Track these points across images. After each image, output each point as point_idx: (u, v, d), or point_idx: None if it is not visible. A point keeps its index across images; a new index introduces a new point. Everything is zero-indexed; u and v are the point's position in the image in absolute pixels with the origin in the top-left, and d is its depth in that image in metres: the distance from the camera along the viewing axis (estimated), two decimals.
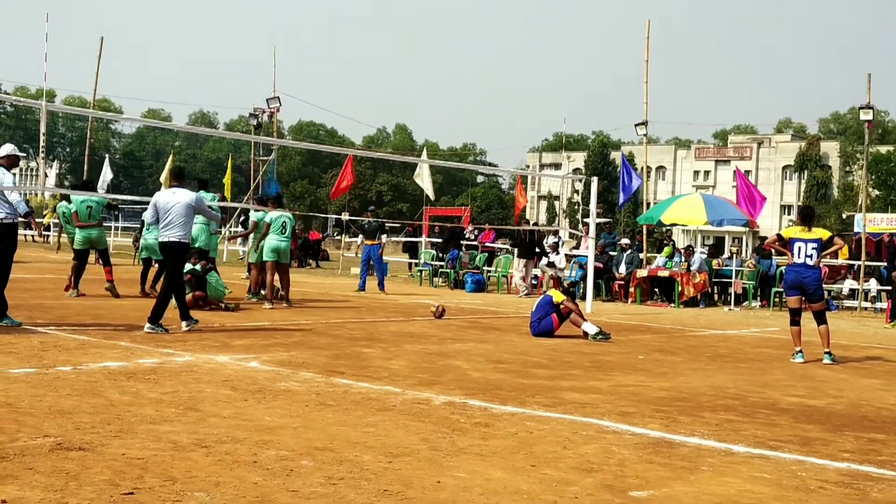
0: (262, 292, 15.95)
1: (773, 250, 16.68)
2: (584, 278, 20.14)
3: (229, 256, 33.91)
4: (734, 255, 22.95)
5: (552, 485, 4.69)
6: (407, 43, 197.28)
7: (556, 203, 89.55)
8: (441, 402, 6.90)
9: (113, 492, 4.12)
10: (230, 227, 33.55)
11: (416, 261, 29.16)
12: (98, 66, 36.18)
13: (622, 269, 22.80)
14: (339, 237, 48.14)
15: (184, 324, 10.92)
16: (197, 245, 14.53)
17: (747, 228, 26.70)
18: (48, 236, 40.23)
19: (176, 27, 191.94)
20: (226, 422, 5.77)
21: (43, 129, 11.31)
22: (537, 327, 12.44)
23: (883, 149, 73.54)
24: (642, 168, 30.99)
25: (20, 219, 10.77)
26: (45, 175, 43.36)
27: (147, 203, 11.41)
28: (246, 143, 70.63)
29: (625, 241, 24.65)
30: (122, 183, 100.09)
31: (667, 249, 23.82)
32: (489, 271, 25.52)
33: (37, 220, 14.26)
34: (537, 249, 22.98)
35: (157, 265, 16.06)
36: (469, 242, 27.73)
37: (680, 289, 21.32)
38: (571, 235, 33.41)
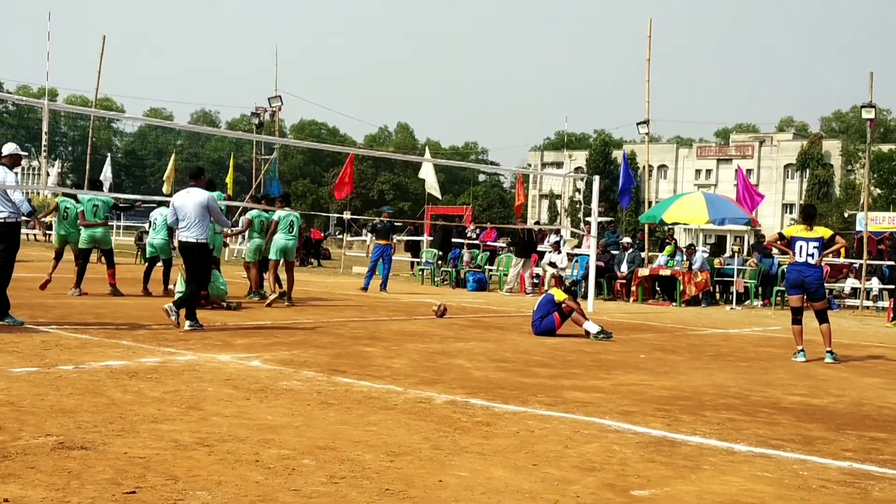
0: (262, 290, 15.99)
1: (773, 249, 16.65)
2: (585, 277, 20.14)
3: (229, 255, 33.89)
4: (736, 254, 22.94)
5: (554, 484, 4.69)
6: (409, 42, 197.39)
7: (558, 202, 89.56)
8: (443, 401, 6.91)
9: (115, 491, 4.13)
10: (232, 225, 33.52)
11: (418, 260, 29.17)
12: (100, 65, 36.12)
13: (624, 267, 22.80)
14: (340, 236, 48.13)
15: (187, 323, 10.95)
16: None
17: (749, 227, 26.66)
18: (50, 235, 40.22)
19: (178, 26, 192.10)
20: (228, 421, 5.77)
21: (45, 127, 11.32)
22: (539, 326, 12.44)
23: (885, 147, 73.59)
24: (644, 167, 30.95)
25: (23, 218, 10.77)
26: (47, 174, 43.41)
27: (156, 201, 11.50)
28: (248, 141, 70.71)
29: (626, 239, 24.66)
30: (125, 182, 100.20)
31: (668, 248, 23.82)
32: (491, 270, 25.52)
33: (40, 219, 14.24)
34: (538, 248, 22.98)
35: (162, 265, 16.11)
36: (471, 241, 27.73)
37: (681, 288, 21.32)
38: (573, 234, 33.38)
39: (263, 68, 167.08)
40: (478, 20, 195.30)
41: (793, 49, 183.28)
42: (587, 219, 26.35)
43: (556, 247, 23.67)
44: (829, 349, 11.04)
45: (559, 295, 12.62)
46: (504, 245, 29.51)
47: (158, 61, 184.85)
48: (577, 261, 23.64)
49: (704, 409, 7.16)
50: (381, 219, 22.02)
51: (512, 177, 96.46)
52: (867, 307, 22.15)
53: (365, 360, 8.98)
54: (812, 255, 10.97)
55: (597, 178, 20.10)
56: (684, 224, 26.47)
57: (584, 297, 18.51)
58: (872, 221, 25.76)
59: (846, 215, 54.60)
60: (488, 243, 28.07)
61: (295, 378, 7.64)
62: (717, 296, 23.13)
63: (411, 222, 37.65)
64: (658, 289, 22.65)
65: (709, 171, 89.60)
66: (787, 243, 11.22)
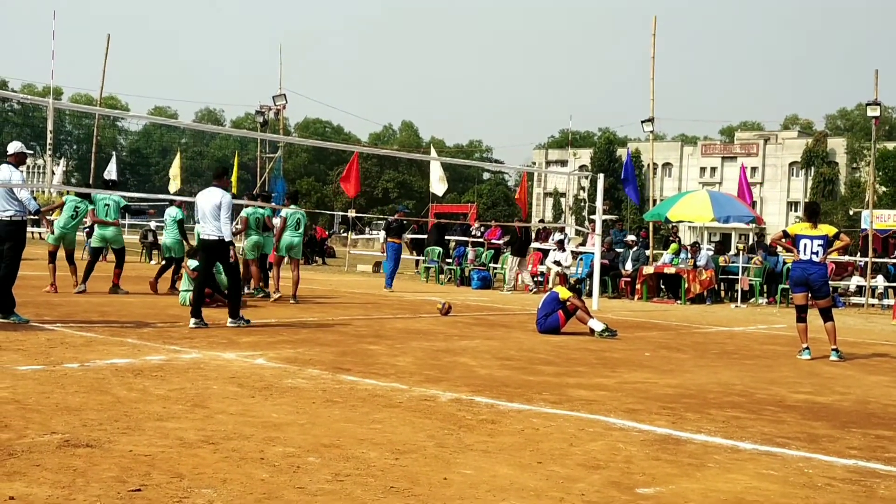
0: (266, 288, 16.03)
1: (778, 247, 16.64)
2: (590, 275, 20.13)
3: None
4: (741, 252, 22.92)
5: (559, 481, 4.69)
6: (413, 40, 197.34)
7: (563, 200, 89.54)
8: (447, 399, 6.91)
9: (120, 488, 4.13)
10: (235, 224, 33.56)
11: (423, 258, 29.17)
12: (105, 64, 36.15)
13: (628, 265, 22.78)
14: (345, 234, 48.16)
15: (192, 321, 11.00)
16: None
17: (754, 225, 26.65)
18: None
19: (182, 25, 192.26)
20: (233, 418, 5.78)
21: (50, 126, 11.30)
22: (543, 324, 12.44)
23: (890, 145, 73.38)
24: (648, 165, 30.93)
25: (31, 216, 10.79)
26: (52, 172, 43.44)
27: (168, 200, 11.58)
28: (252, 140, 70.71)
29: (631, 237, 24.64)
30: (129, 180, 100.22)
31: (673, 246, 23.80)
32: (495, 268, 25.52)
33: (47, 216, 14.26)
34: (542, 246, 22.96)
35: (174, 263, 16.18)
36: (476, 239, 27.73)
37: (686, 285, 21.30)
38: (578, 232, 33.35)
39: (268, 66, 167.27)
40: (482, 18, 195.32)
41: (797, 47, 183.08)
42: (591, 217, 26.35)
43: (561, 245, 23.65)
44: (834, 347, 11.01)
45: (564, 293, 12.61)
46: (501, 242, 29.52)
47: (163, 60, 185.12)
48: (581, 259, 23.64)
49: (709, 407, 7.16)
50: (397, 217, 22.11)
51: (516, 175, 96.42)
52: (872, 305, 22.12)
53: (370, 359, 8.98)
54: (816, 253, 10.95)
55: (601, 176, 20.10)
56: (689, 222, 26.42)
57: (589, 294, 18.51)
58: (878, 219, 25.68)
59: (851, 213, 54.50)
60: (493, 241, 28.06)
61: (300, 376, 7.65)
62: (722, 294, 23.11)
63: (415, 220, 37.65)
64: (663, 287, 22.64)
65: (713, 169, 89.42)
66: (792, 241, 11.20)
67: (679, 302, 21.26)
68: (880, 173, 65.06)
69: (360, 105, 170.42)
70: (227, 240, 11.41)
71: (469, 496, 4.34)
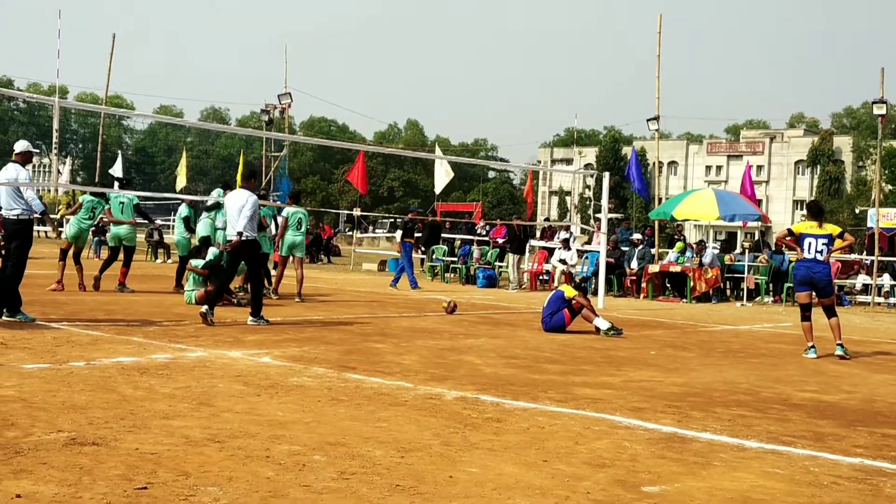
0: (270, 287, 16.07)
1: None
2: (595, 273, 20.12)
3: None
4: (746, 251, 22.89)
5: (564, 480, 4.69)
6: (419, 38, 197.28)
7: (568, 198, 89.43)
8: (453, 398, 6.91)
9: (126, 486, 4.14)
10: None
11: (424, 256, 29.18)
12: (110, 63, 36.26)
13: (634, 264, 22.77)
14: (350, 233, 48.15)
15: (205, 307, 11.24)
16: (201, 236, 15.00)
17: (759, 223, 26.62)
18: (62, 232, 40.35)
19: (188, 23, 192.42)
20: (238, 417, 5.79)
21: (56, 125, 11.33)
22: (549, 322, 12.43)
23: None
24: (654, 163, 30.90)
25: (36, 216, 10.80)
26: (58, 172, 43.51)
27: (173, 200, 11.68)
28: (258, 139, 70.64)
29: (637, 236, 24.63)
30: (135, 179, 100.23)
31: (679, 245, 23.78)
32: (501, 267, 25.52)
33: (51, 216, 14.36)
34: (548, 244, 22.95)
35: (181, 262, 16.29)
36: (481, 238, 27.73)
37: (692, 284, 21.28)
38: (583, 231, 33.34)
39: (273, 65, 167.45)
40: (486, 17, 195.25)
41: (803, 45, 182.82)
42: (597, 215, 26.33)
43: (566, 243, 23.65)
44: (839, 342, 11.00)
45: (569, 291, 12.61)
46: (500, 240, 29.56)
47: (168, 59, 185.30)
48: (587, 257, 23.63)
49: (715, 406, 7.15)
50: (411, 217, 22.18)
51: (522, 173, 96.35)
52: (878, 303, 22.07)
53: (375, 357, 8.99)
54: (821, 252, 10.96)
55: (606, 174, 20.07)
56: (694, 220, 26.41)
57: (595, 293, 18.50)
58: (884, 217, 25.66)
59: (857, 211, 54.35)
60: (498, 240, 28.07)
61: (305, 374, 7.65)
62: (728, 292, 23.08)
63: (421, 219, 37.68)
64: (668, 285, 22.62)
65: (719, 168, 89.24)
66: (796, 240, 11.19)
67: (684, 300, 21.24)
68: (886, 171, 64.95)
69: (365, 104, 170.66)
70: (250, 238, 11.59)
71: (474, 494, 4.34)
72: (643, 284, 22.23)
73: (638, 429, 6.10)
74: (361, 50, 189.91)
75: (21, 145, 11.08)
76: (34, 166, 73.61)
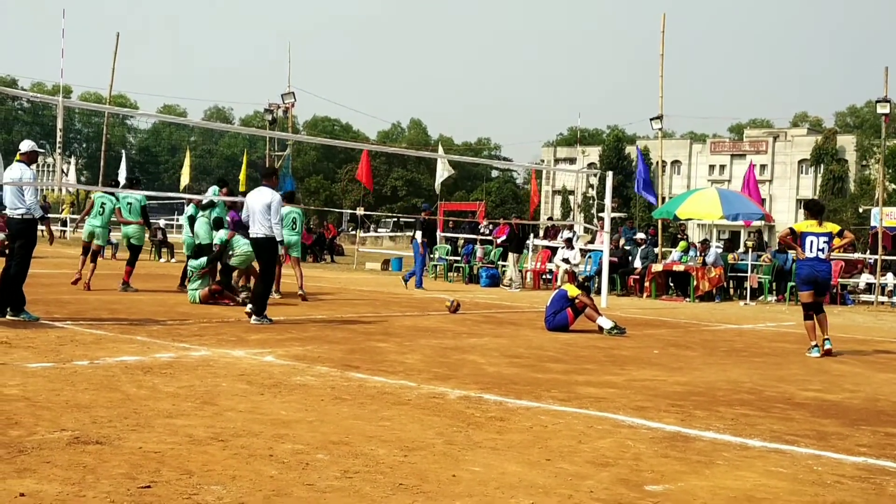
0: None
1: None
2: (599, 273, 20.11)
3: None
4: (749, 250, 22.86)
5: (567, 479, 4.69)
6: (422, 38, 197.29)
7: (571, 198, 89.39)
8: (456, 397, 6.91)
9: (130, 485, 4.15)
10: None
11: (431, 255, 29.17)
12: (114, 62, 36.29)
13: (637, 263, 22.74)
14: (354, 232, 48.19)
15: (253, 318, 11.39)
16: (199, 242, 15.08)
17: (763, 222, 26.59)
18: (65, 231, 40.43)
19: (192, 23, 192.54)
20: (242, 416, 5.79)
21: (60, 124, 11.33)
22: (552, 322, 12.43)
23: None
24: (657, 162, 30.89)
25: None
26: (63, 171, 43.56)
27: (180, 198, 11.69)
28: (261, 138, 70.70)
29: (640, 235, 24.60)
30: (141, 179, 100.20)
31: (682, 244, 23.76)
32: (504, 266, 25.52)
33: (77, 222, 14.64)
34: (551, 244, 22.94)
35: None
36: (485, 237, 27.73)
37: (695, 283, 21.26)
38: (586, 230, 33.33)
39: (277, 65, 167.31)
40: (490, 15, 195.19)
41: (807, 44, 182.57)
42: (600, 214, 26.32)
43: (570, 243, 23.64)
44: (826, 337, 11.16)
45: (572, 290, 12.60)
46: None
47: (172, 58, 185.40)
48: (590, 256, 23.62)
49: (718, 405, 7.15)
50: (424, 216, 22.22)
51: (525, 173, 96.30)
52: (882, 302, 22.05)
53: (378, 356, 8.99)
54: (822, 251, 11.08)
55: (610, 173, 20.06)
56: (698, 219, 26.38)
57: (598, 292, 18.49)
58: (887, 216, 25.61)
59: (861, 210, 54.29)
60: (501, 239, 28.07)
61: (308, 373, 7.66)
62: (731, 291, 23.06)
63: (431, 218, 37.69)
64: (671, 284, 22.60)
65: (722, 167, 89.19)
66: (796, 238, 11.26)
67: (688, 299, 21.22)
68: (890, 170, 64.83)
69: (368, 103, 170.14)
70: (277, 239, 11.81)
71: (478, 493, 4.34)
72: (646, 283, 22.22)
73: (641, 428, 6.10)
74: (365, 49, 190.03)
75: (27, 145, 11.08)
76: (38, 165, 73.63)
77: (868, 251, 26.41)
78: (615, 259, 21.75)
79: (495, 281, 23.83)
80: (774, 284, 22.34)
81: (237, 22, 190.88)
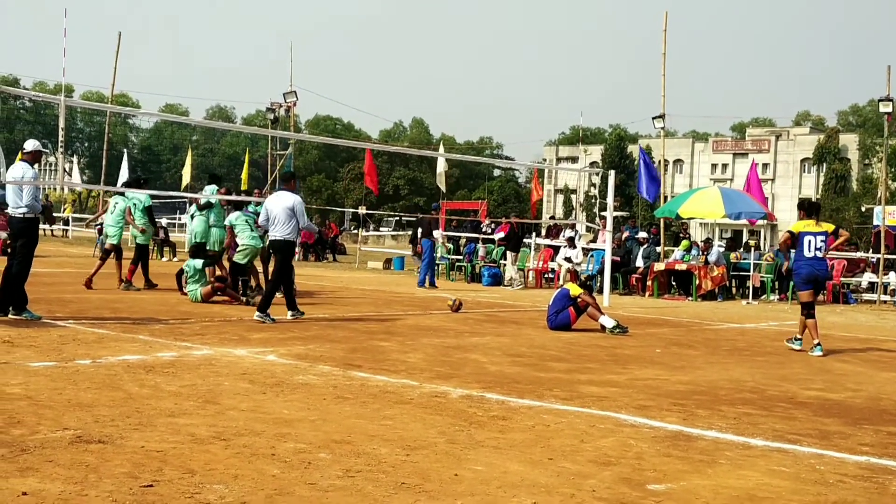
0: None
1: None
2: (601, 272, 20.11)
3: None
4: (752, 249, 22.83)
5: (570, 478, 4.69)
6: (424, 37, 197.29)
7: (573, 197, 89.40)
8: (458, 396, 6.91)
9: (132, 484, 4.15)
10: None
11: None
12: (116, 62, 36.27)
13: (639, 262, 22.73)
14: (356, 231, 48.21)
15: (290, 313, 11.89)
16: (195, 241, 15.25)
17: (765, 221, 26.57)
18: (67, 231, 40.46)
19: (193, 22, 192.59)
20: (244, 415, 5.79)
21: (62, 123, 11.34)
22: (554, 321, 12.43)
23: None
24: (660, 161, 30.87)
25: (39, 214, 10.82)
26: (65, 170, 43.62)
27: (186, 197, 11.76)
28: (263, 137, 70.69)
29: (642, 234, 24.59)
30: (149, 178, 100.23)
31: (684, 243, 23.75)
32: (505, 265, 25.52)
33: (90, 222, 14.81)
34: (553, 243, 22.93)
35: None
36: (487, 236, 27.73)
37: (697, 282, 21.26)
38: (588, 229, 33.32)
39: (279, 64, 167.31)
40: (492, 14, 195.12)
41: (809, 42, 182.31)
42: (602, 213, 26.31)
43: (572, 242, 23.63)
44: (799, 338, 11.38)
45: (575, 290, 12.60)
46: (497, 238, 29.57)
47: (174, 57, 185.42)
48: (592, 255, 23.62)
49: (720, 404, 7.14)
50: (433, 216, 22.22)
51: (527, 172, 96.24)
52: (884, 301, 22.03)
53: (380, 355, 8.99)
54: (820, 249, 11.24)
55: (612, 172, 20.05)
56: (700, 218, 26.35)
57: (600, 291, 18.49)
58: (890, 215, 25.55)
59: (863, 209, 54.27)
60: (499, 237, 28.05)
61: (311, 372, 7.66)
62: (734, 290, 23.05)
63: (426, 217, 37.71)
64: (674, 283, 22.60)
65: (725, 166, 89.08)
66: (794, 239, 11.34)
67: (690, 298, 21.21)
68: (892, 169, 64.73)
69: (370, 102, 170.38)
70: (291, 240, 12.07)
71: (480, 492, 4.34)
72: (649, 282, 22.22)
73: (643, 427, 6.09)
74: (366, 49, 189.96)
75: (31, 144, 11.09)
76: (40, 165, 73.62)
77: (870, 250, 26.38)
78: (617, 258, 21.74)
79: (497, 280, 23.84)
80: (777, 283, 22.33)
81: (238, 22, 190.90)
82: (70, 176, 46.09)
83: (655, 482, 4.69)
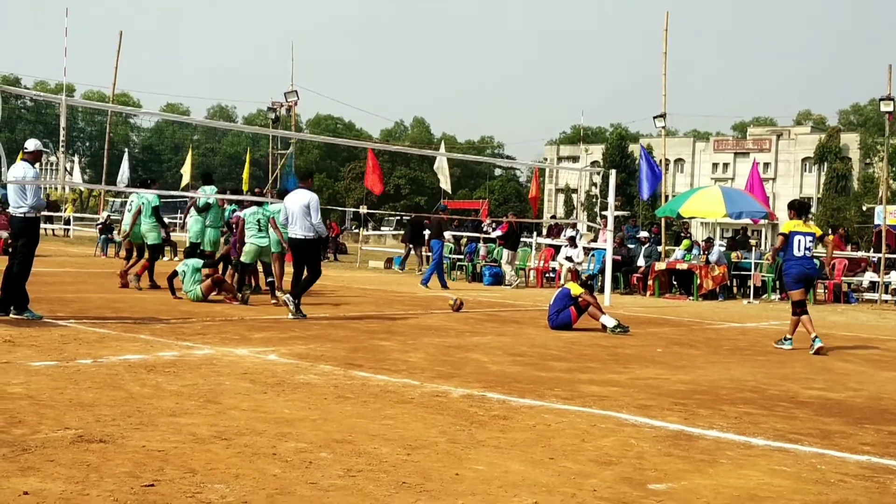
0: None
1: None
2: (602, 271, 20.10)
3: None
4: (753, 248, 22.81)
5: (571, 477, 4.69)
6: (425, 36, 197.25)
7: (574, 196, 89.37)
8: (459, 395, 6.91)
9: (133, 484, 4.15)
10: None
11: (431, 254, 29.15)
12: (117, 61, 36.31)
13: (640, 261, 22.73)
14: (357, 230, 48.20)
15: (291, 305, 12.06)
16: (191, 241, 15.30)
17: (766, 221, 26.57)
18: (68, 230, 40.47)
19: (194, 22, 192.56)
20: (245, 414, 5.80)
21: (63, 123, 11.33)
22: (555, 320, 12.43)
23: None
24: (661, 160, 30.87)
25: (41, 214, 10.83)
26: (66, 170, 43.66)
27: (187, 197, 11.79)
28: (264, 136, 70.66)
29: (643, 233, 24.59)
30: (141, 177, 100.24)
31: (685, 242, 23.75)
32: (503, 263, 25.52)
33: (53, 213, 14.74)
34: (554, 242, 22.93)
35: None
36: (487, 235, 27.72)
37: (698, 281, 21.25)
38: (589, 228, 33.30)
39: (280, 64, 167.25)
40: (493, 14, 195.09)
41: (810, 42, 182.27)
42: (603, 213, 26.31)
43: (573, 241, 23.61)
44: (790, 337, 11.48)
45: (576, 289, 12.60)
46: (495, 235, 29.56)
47: (175, 57, 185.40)
48: (593, 255, 23.62)
49: (722, 403, 7.14)
50: (441, 217, 22.22)
51: (528, 171, 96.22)
52: (886, 301, 22.02)
53: (381, 354, 8.99)
54: (809, 249, 11.43)
55: (613, 171, 20.05)
56: (701, 218, 26.34)
57: (601, 290, 18.48)
58: (891, 215, 25.52)
59: (865, 209, 54.25)
60: (497, 235, 28.02)
61: (312, 372, 7.66)
62: (735, 290, 23.04)
63: (427, 217, 37.69)
64: (675, 283, 22.59)
65: (726, 165, 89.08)
66: (786, 239, 11.48)
67: (691, 298, 21.20)
68: (894, 169, 64.72)
69: (371, 102, 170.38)
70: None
71: (481, 492, 4.34)
72: (650, 282, 22.21)
73: (644, 426, 6.09)
74: (367, 49, 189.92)
75: (32, 144, 11.09)
76: (41, 164, 73.62)
77: (872, 249, 26.36)
78: (618, 257, 21.73)
79: (498, 279, 23.84)
80: (778, 283, 22.31)
81: (239, 22, 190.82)
82: (71, 175, 46.10)
83: (656, 482, 4.69)
